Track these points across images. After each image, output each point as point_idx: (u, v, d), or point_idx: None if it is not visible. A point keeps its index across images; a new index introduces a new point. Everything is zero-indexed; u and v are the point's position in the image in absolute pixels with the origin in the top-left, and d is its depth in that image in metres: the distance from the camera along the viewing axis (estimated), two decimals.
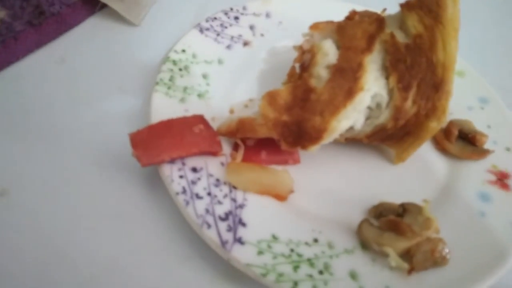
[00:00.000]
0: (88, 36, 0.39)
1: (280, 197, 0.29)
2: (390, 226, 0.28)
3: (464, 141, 0.35)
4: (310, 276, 0.25)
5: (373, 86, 0.29)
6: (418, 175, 0.34)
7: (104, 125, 0.33)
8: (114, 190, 0.30)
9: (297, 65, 0.35)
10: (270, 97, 0.29)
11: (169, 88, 0.33)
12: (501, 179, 0.34)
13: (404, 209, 0.29)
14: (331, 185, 0.32)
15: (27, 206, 0.29)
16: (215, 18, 0.40)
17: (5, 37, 0.35)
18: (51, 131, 0.32)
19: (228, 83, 0.36)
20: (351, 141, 0.33)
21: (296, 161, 0.32)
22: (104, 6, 0.40)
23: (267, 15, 0.42)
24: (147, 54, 0.39)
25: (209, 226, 0.26)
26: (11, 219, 0.28)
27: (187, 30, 0.40)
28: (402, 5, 0.31)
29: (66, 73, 0.36)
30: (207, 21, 0.39)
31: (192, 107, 0.33)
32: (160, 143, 0.28)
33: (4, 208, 0.28)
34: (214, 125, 0.32)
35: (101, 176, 0.30)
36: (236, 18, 0.40)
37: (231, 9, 0.41)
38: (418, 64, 0.29)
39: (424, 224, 0.27)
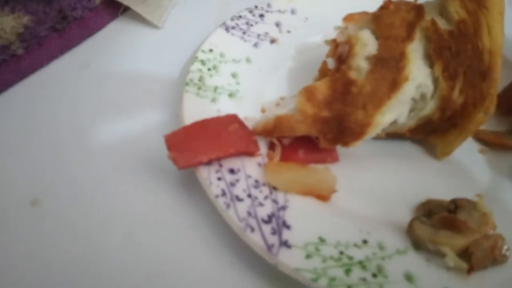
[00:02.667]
0: (112, 39, 0.39)
1: (323, 197, 0.28)
2: (445, 223, 0.26)
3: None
4: (364, 279, 0.24)
5: (418, 75, 0.28)
6: (463, 169, 0.32)
7: (134, 129, 0.32)
8: (149, 196, 0.29)
9: (329, 60, 0.33)
10: (308, 92, 0.28)
11: (199, 88, 0.32)
12: None
13: (456, 206, 0.27)
14: (373, 182, 0.30)
15: (60, 215, 0.28)
16: (240, 17, 0.39)
17: (29, 43, 0.34)
18: (80, 137, 0.32)
19: (258, 81, 0.35)
20: (393, 135, 0.31)
21: (335, 159, 0.31)
22: (126, 9, 0.40)
23: (293, 12, 0.40)
24: (171, 55, 0.38)
25: (252, 229, 0.25)
26: (44, 229, 0.27)
27: (210, 30, 0.39)
28: None
29: (92, 77, 0.36)
30: (232, 19, 0.38)
31: (224, 107, 0.32)
32: (196, 144, 0.27)
33: (37, 218, 0.27)
34: (247, 124, 0.31)
35: (135, 181, 0.29)
36: (261, 15, 0.39)
37: (256, 6, 0.40)
38: (463, 51, 0.28)
39: (480, 220, 0.26)
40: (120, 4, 0.39)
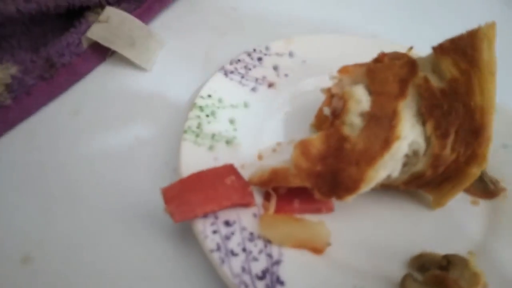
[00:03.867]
0: (100, 84, 0.39)
1: (317, 250, 0.28)
2: (436, 281, 0.26)
3: (480, 179, 0.34)
4: None
5: (410, 133, 0.28)
6: (456, 221, 0.32)
7: (125, 179, 0.32)
8: (143, 249, 0.29)
9: (325, 108, 0.34)
10: (303, 147, 0.29)
11: (197, 136, 0.33)
12: None
13: (448, 262, 0.28)
14: (368, 234, 0.31)
15: (52, 273, 0.27)
16: (239, 60, 0.39)
17: (17, 92, 0.34)
18: (71, 188, 0.31)
19: (255, 127, 0.36)
20: (387, 187, 0.31)
21: (330, 209, 0.31)
22: (114, 52, 0.40)
23: (290, 55, 0.41)
24: (161, 99, 0.38)
25: (246, 286, 0.25)
26: (37, 286, 0.27)
27: (198, 72, 0.39)
28: (435, 48, 0.30)
29: (80, 124, 0.36)
30: (231, 63, 0.39)
31: (221, 155, 0.32)
32: (193, 197, 0.28)
33: (29, 276, 0.27)
34: (244, 173, 0.31)
35: (128, 235, 0.29)
36: (260, 59, 0.40)
37: (254, 50, 0.41)
38: (455, 109, 0.28)
39: (471, 280, 0.26)
40: (108, 48, 0.39)
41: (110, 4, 0.42)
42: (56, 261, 0.28)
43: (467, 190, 0.34)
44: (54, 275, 0.27)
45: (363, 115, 0.29)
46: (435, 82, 0.29)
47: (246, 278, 0.26)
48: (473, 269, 0.26)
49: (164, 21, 0.46)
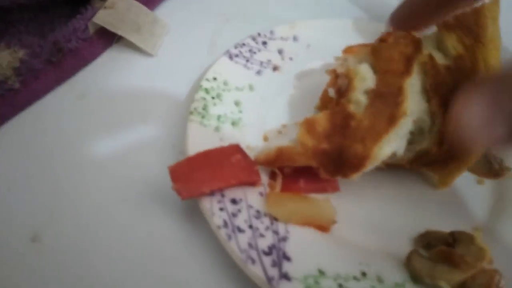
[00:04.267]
0: (107, 69, 0.39)
1: (323, 227, 0.29)
2: (442, 257, 0.26)
3: (485, 159, 0.34)
4: None
5: (415, 110, 0.28)
6: (462, 200, 0.32)
7: (132, 159, 0.33)
8: (151, 226, 0.29)
9: (330, 89, 0.34)
10: (308, 125, 0.29)
11: (203, 117, 0.33)
12: None
13: (454, 239, 0.28)
14: (374, 213, 0.31)
15: (60, 251, 0.28)
16: (244, 44, 0.40)
17: (25, 76, 0.34)
18: (78, 169, 0.32)
19: (260, 109, 0.36)
20: (392, 166, 0.32)
21: (336, 189, 0.31)
22: (120, 38, 0.41)
23: (295, 39, 0.41)
24: (166, 83, 0.38)
25: (253, 261, 0.26)
26: (45, 265, 0.27)
27: (203, 56, 0.40)
28: (439, 25, 0.30)
29: (88, 108, 0.36)
30: (235, 47, 0.39)
31: (227, 136, 0.33)
32: (199, 175, 0.28)
33: (37, 254, 0.28)
34: (250, 153, 0.31)
35: (137, 213, 0.30)
36: (264, 43, 0.40)
37: (259, 34, 0.41)
38: (460, 86, 0.28)
39: (477, 255, 0.26)
40: (114, 34, 0.39)
41: None
42: (65, 240, 0.28)
43: (472, 170, 0.34)
44: (63, 254, 0.28)
45: (368, 93, 0.29)
46: (439, 59, 0.29)
47: (253, 253, 0.26)
48: (479, 244, 0.27)
49: (169, 7, 0.47)
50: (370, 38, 0.42)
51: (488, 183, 0.34)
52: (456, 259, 0.26)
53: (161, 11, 0.46)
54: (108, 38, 0.41)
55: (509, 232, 0.30)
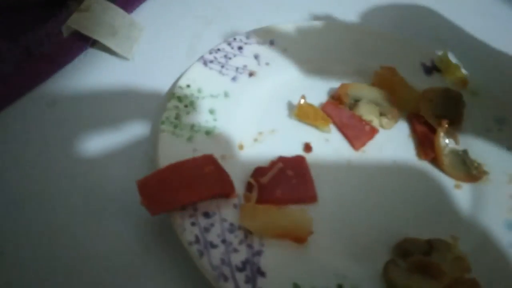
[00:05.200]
0: (80, 74, 0.38)
1: (300, 239, 0.28)
2: (418, 267, 0.26)
3: (462, 163, 0.34)
4: None
5: None
6: (441, 206, 0.32)
7: (103, 170, 0.31)
8: (119, 242, 0.28)
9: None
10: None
11: (175, 126, 0.32)
12: None
13: (431, 246, 0.27)
14: (352, 222, 0.30)
15: (23, 264, 0.27)
16: (219, 50, 0.39)
17: None
18: (45, 181, 0.30)
19: (236, 117, 0.35)
20: None
21: (313, 199, 0.31)
22: (95, 42, 0.39)
23: (271, 43, 0.41)
24: (142, 89, 0.37)
25: (226, 278, 0.25)
26: (7, 278, 0.26)
27: (181, 61, 0.38)
28: None
29: (57, 115, 0.34)
30: (210, 53, 0.38)
31: (201, 146, 0.32)
32: (169, 189, 0.27)
33: (1, 271, 0.26)
34: (225, 163, 0.30)
35: (105, 228, 0.28)
36: (240, 48, 0.39)
37: (234, 39, 0.40)
38: None
39: (454, 264, 0.26)
40: (89, 37, 0.38)
41: None
42: (27, 253, 0.27)
43: (450, 174, 0.34)
44: (25, 267, 0.26)
45: None
46: None
47: (226, 270, 0.25)
48: (456, 253, 0.26)
49: (148, 9, 0.45)
50: (349, 41, 0.42)
51: (466, 187, 0.34)
52: (433, 268, 0.25)
53: (139, 13, 0.44)
54: (83, 42, 0.39)
55: (487, 239, 0.30)
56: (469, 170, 0.34)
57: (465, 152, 0.34)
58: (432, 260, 0.26)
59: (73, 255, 0.27)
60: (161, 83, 0.38)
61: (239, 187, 0.30)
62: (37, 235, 0.28)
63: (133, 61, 0.40)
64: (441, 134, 0.34)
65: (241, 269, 0.25)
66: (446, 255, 0.26)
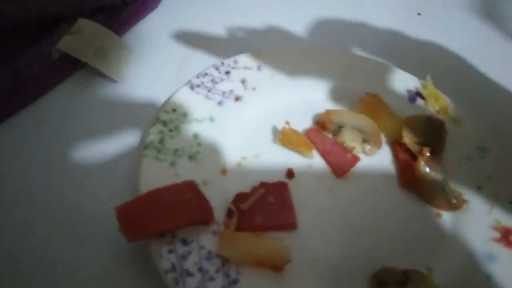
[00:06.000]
0: (68, 95, 0.38)
1: (277, 268, 0.28)
2: None
3: (442, 191, 0.34)
4: None
5: None
6: (420, 235, 0.32)
7: (85, 193, 0.32)
8: (97, 268, 0.28)
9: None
10: None
11: (159, 151, 0.33)
12: (505, 236, 0.32)
13: (406, 277, 0.28)
14: (330, 250, 0.31)
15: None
16: (206, 74, 0.39)
17: None
18: (28, 202, 0.31)
19: (220, 141, 0.35)
20: None
21: (293, 227, 0.31)
22: (85, 64, 0.40)
23: (259, 68, 0.41)
24: (129, 111, 0.38)
25: None
26: None
27: (170, 84, 0.39)
28: None
29: (44, 136, 0.35)
30: (198, 77, 0.39)
31: (183, 171, 0.32)
32: (148, 216, 0.27)
33: None
34: (206, 189, 0.31)
35: (83, 253, 0.29)
36: (227, 72, 0.40)
37: (222, 63, 0.41)
38: None
39: None
40: (78, 60, 0.39)
41: (84, 15, 0.42)
42: (6, 275, 0.27)
43: (431, 203, 0.34)
44: None
45: None
46: None
47: None
48: (430, 284, 0.26)
49: (138, 32, 0.46)
50: (335, 67, 0.42)
51: (446, 216, 0.34)
52: None
53: (131, 36, 0.45)
54: (73, 64, 0.40)
55: (465, 271, 0.30)
56: (449, 199, 0.34)
57: (445, 180, 0.35)
58: None
59: (50, 278, 0.27)
60: (148, 106, 0.38)
61: (220, 213, 0.30)
62: (13, 255, 0.28)
63: (122, 83, 0.40)
64: (422, 162, 0.35)
65: None
66: (421, 286, 0.26)
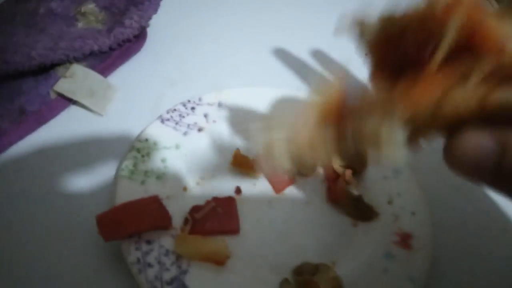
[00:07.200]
0: (61, 127, 0.47)
1: (219, 262, 0.36)
2: (303, 284, 0.35)
3: (358, 206, 0.43)
4: None
5: None
6: (339, 240, 0.41)
7: (73, 204, 0.40)
8: (82, 260, 0.37)
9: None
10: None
11: (132, 173, 0.41)
12: (404, 239, 0.41)
13: (317, 269, 0.36)
14: (266, 250, 0.39)
15: None
16: (175, 110, 0.49)
17: None
18: (16, 220, 0.39)
19: (183, 165, 0.44)
20: None
21: (236, 231, 0.40)
22: (75, 101, 0.49)
23: (219, 104, 0.51)
24: (112, 141, 0.47)
25: None
26: None
27: (146, 117, 0.48)
28: None
29: (41, 160, 0.44)
30: (168, 112, 0.48)
31: (151, 188, 0.41)
32: (121, 222, 0.36)
33: None
34: (169, 202, 0.39)
35: (70, 249, 0.37)
36: (193, 108, 0.49)
37: (189, 101, 0.50)
38: None
39: (329, 282, 0.35)
40: (71, 98, 0.48)
41: (77, 60, 0.51)
42: None
43: (349, 215, 0.43)
44: None
45: None
46: None
47: (158, 284, 0.34)
48: (332, 274, 0.35)
49: (123, 72, 0.55)
50: (287, 106, 0.52)
51: (361, 225, 0.43)
52: (312, 285, 0.34)
53: (115, 76, 0.55)
54: (66, 101, 0.49)
55: (366, 265, 0.38)
56: (363, 212, 0.43)
57: (360, 197, 0.44)
58: (314, 279, 0.35)
59: (33, 276, 0.36)
60: (127, 136, 0.47)
61: (179, 220, 0.39)
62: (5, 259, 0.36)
63: (107, 116, 0.50)
64: (343, 182, 0.44)
65: (169, 283, 0.34)
66: (325, 275, 0.35)
